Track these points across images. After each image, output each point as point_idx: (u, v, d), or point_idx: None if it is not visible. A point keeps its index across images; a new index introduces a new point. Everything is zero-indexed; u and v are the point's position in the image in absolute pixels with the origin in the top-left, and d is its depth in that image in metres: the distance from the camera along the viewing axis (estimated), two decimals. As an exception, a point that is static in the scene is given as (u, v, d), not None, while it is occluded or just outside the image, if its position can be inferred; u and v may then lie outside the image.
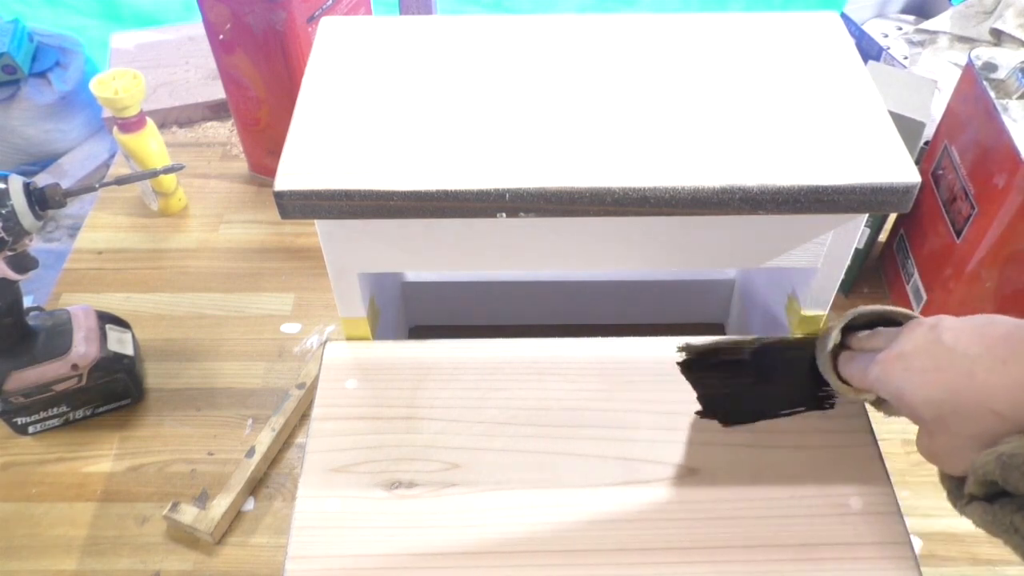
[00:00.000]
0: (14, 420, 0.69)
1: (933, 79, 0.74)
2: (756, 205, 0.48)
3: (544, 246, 0.54)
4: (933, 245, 0.72)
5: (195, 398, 0.74)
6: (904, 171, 0.48)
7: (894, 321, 0.51)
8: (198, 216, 0.92)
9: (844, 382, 0.51)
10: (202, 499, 0.65)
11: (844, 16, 1.05)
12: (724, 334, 0.77)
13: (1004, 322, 0.44)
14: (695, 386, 0.55)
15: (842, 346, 0.53)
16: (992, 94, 0.64)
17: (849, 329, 0.53)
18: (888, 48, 1.03)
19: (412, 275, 0.73)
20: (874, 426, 0.54)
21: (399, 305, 0.73)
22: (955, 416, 0.42)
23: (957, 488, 0.44)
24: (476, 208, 0.48)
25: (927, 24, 1.07)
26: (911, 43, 1.06)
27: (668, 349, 0.58)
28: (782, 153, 0.49)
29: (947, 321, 0.46)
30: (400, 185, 0.47)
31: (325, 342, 0.59)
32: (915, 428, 0.46)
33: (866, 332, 0.51)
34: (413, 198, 0.47)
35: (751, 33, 0.59)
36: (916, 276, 0.75)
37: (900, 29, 1.08)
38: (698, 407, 0.54)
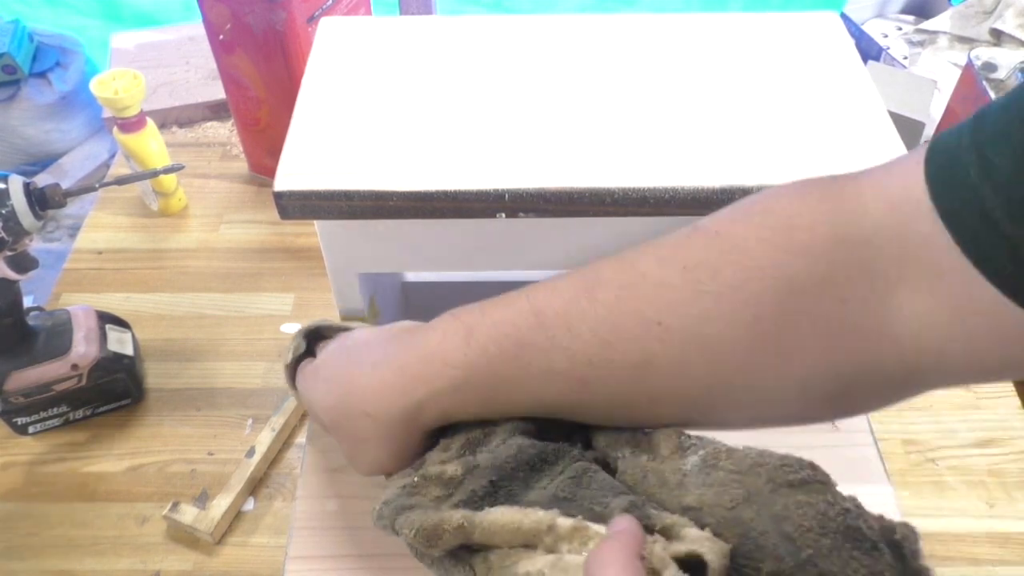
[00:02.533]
0: (14, 420, 0.69)
1: (933, 79, 0.74)
2: (756, 205, 0.48)
3: (544, 246, 0.54)
4: (933, 245, 0.72)
5: (195, 398, 0.74)
6: (904, 171, 0.48)
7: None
8: (198, 216, 0.92)
9: None
10: (202, 499, 0.65)
11: (844, 16, 1.05)
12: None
13: (397, 327, 0.45)
14: None
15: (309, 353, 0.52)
16: (992, 94, 0.64)
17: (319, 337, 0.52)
18: (888, 48, 1.03)
19: (412, 275, 0.73)
20: (874, 426, 0.54)
21: (399, 305, 0.73)
22: (344, 421, 0.43)
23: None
24: (476, 208, 0.48)
25: (927, 24, 1.07)
26: (911, 43, 1.06)
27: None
28: (782, 153, 0.49)
29: (357, 332, 0.47)
30: (400, 185, 0.47)
31: (325, 342, 0.59)
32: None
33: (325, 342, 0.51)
34: (413, 198, 0.47)
35: (751, 33, 0.59)
36: (916, 276, 0.75)
37: (900, 29, 1.09)
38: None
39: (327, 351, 0.47)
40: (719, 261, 0.35)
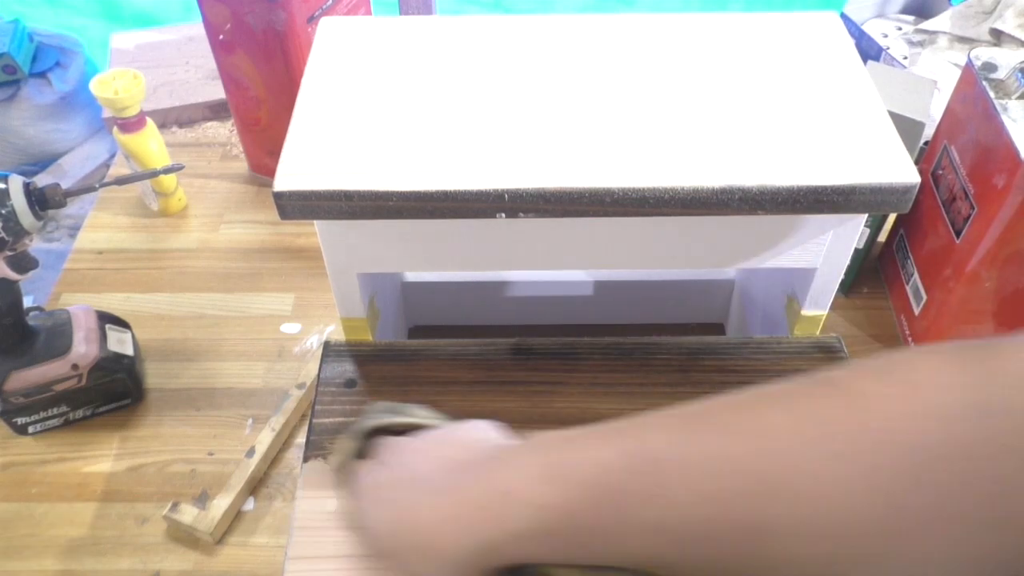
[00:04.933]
0: (14, 420, 0.69)
1: (933, 79, 0.74)
2: (756, 205, 0.48)
3: (544, 246, 0.54)
4: (933, 245, 0.72)
5: (195, 398, 0.74)
6: (904, 171, 0.48)
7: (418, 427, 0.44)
8: (198, 216, 0.92)
9: None
10: (202, 499, 0.65)
11: (844, 16, 1.05)
12: (724, 334, 0.77)
13: (458, 439, 0.40)
14: None
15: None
16: (992, 94, 0.64)
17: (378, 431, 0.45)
18: (888, 48, 1.03)
19: (412, 275, 0.73)
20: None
21: (399, 305, 0.73)
22: (399, 553, 0.38)
23: None
24: (476, 208, 0.48)
25: (927, 24, 1.07)
26: (911, 43, 1.06)
27: (669, 349, 0.58)
28: (782, 153, 0.49)
29: (417, 444, 0.41)
30: (400, 185, 0.47)
31: (325, 342, 0.59)
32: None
33: (389, 441, 0.44)
34: (413, 198, 0.47)
35: (751, 33, 0.59)
36: (916, 276, 0.75)
37: (900, 29, 1.08)
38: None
39: (382, 469, 0.41)
40: (851, 421, 0.31)
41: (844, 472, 0.31)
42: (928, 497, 0.30)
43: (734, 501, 0.32)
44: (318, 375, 0.57)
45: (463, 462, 0.38)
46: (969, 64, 0.68)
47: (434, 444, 0.41)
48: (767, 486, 0.32)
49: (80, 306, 0.72)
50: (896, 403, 0.31)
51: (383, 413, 0.45)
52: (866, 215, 0.52)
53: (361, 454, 0.44)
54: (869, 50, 1.03)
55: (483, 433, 0.41)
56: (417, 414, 0.45)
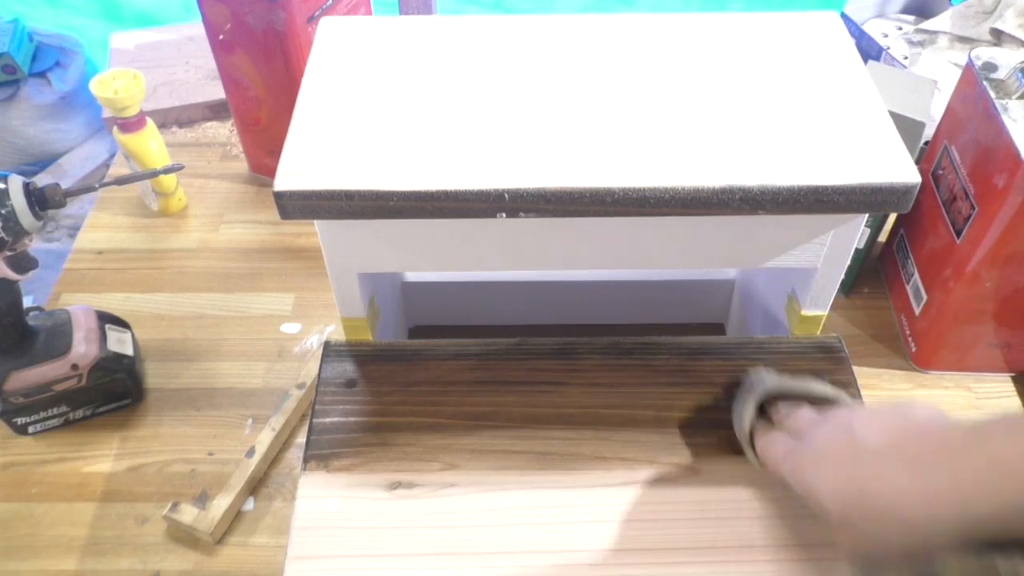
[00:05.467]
0: (14, 420, 0.69)
1: (933, 79, 0.74)
2: (756, 205, 0.48)
3: (544, 246, 0.54)
4: (933, 245, 0.72)
5: (195, 398, 0.74)
6: (904, 171, 0.48)
7: (813, 398, 0.50)
8: (198, 216, 0.92)
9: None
10: (202, 499, 0.65)
11: (844, 16, 1.05)
12: (724, 334, 0.77)
13: (917, 417, 0.42)
14: None
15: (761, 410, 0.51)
16: (992, 94, 0.64)
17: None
18: (888, 48, 1.03)
19: (412, 275, 0.73)
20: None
21: (399, 305, 0.73)
22: (862, 518, 0.40)
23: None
24: (476, 208, 0.48)
25: (927, 24, 1.07)
26: (911, 43, 1.06)
27: (669, 349, 0.58)
28: (782, 153, 0.49)
29: (859, 416, 0.44)
30: (400, 185, 0.47)
31: (325, 342, 0.59)
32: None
33: (787, 407, 0.50)
34: (413, 198, 0.47)
35: (751, 33, 0.59)
36: (916, 276, 0.75)
37: (900, 29, 1.08)
38: (698, 405, 0.54)
39: (822, 439, 0.44)
40: None
41: None
42: None
43: None
44: (318, 375, 0.57)
45: (927, 434, 0.40)
46: (969, 64, 0.68)
47: (886, 420, 0.42)
48: None
49: (80, 306, 0.72)
50: None
51: (782, 379, 0.50)
52: (866, 215, 0.52)
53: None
54: (869, 50, 1.03)
55: (933, 412, 0.42)
56: (819, 387, 0.50)
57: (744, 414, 0.51)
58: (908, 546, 0.38)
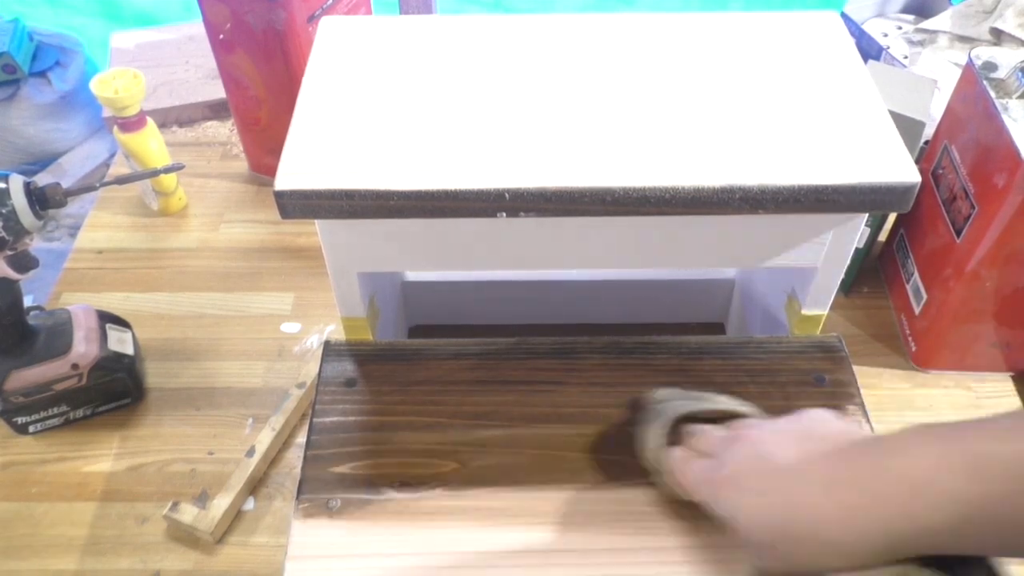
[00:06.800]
0: (14, 419, 0.69)
1: (933, 79, 0.74)
2: (756, 205, 0.48)
3: (544, 246, 0.54)
4: (933, 244, 0.72)
5: (195, 398, 0.74)
6: (904, 171, 0.48)
7: (719, 415, 0.48)
8: (198, 216, 0.92)
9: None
10: (202, 499, 0.65)
11: (844, 16, 1.05)
12: (724, 334, 0.77)
13: (819, 432, 0.41)
14: None
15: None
16: (992, 94, 0.64)
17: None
18: (888, 48, 1.03)
19: (412, 275, 0.73)
20: (875, 426, 0.54)
21: (399, 305, 0.73)
22: (788, 544, 0.39)
23: None
24: (476, 208, 0.48)
25: (927, 24, 1.07)
26: (911, 43, 1.06)
27: (669, 349, 0.58)
28: (782, 153, 0.49)
29: (766, 434, 0.43)
30: (400, 185, 0.47)
31: (325, 341, 0.59)
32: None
33: (697, 429, 0.47)
34: (413, 198, 0.47)
35: (751, 33, 0.59)
36: (916, 275, 0.75)
37: (900, 29, 1.08)
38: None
39: (732, 458, 0.42)
40: None
41: None
42: None
43: None
44: (318, 374, 0.57)
45: (840, 452, 0.38)
46: (969, 63, 0.68)
47: (793, 438, 0.41)
48: None
49: (80, 305, 0.72)
50: None
51: (688, 400, 0.47)
52: (866, 214, 0.52)
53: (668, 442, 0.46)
54: (869, 49, 1.03)
55: (838, 425, 0.41)
56: (724, 402, 0.47)
57: (650, 437, 0.48)
58: (843, 569, 0.37)
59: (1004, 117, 0.62)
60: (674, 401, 0.48)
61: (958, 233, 0.68)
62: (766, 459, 0.41)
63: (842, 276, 0.56)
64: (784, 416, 0.44)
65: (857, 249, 0.77)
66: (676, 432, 0.48)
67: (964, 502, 0.34)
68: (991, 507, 0.33)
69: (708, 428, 0.47)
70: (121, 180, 0.68)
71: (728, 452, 0.43)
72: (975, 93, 0.67)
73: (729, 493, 0.42)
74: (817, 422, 0.42)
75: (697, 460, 0.45)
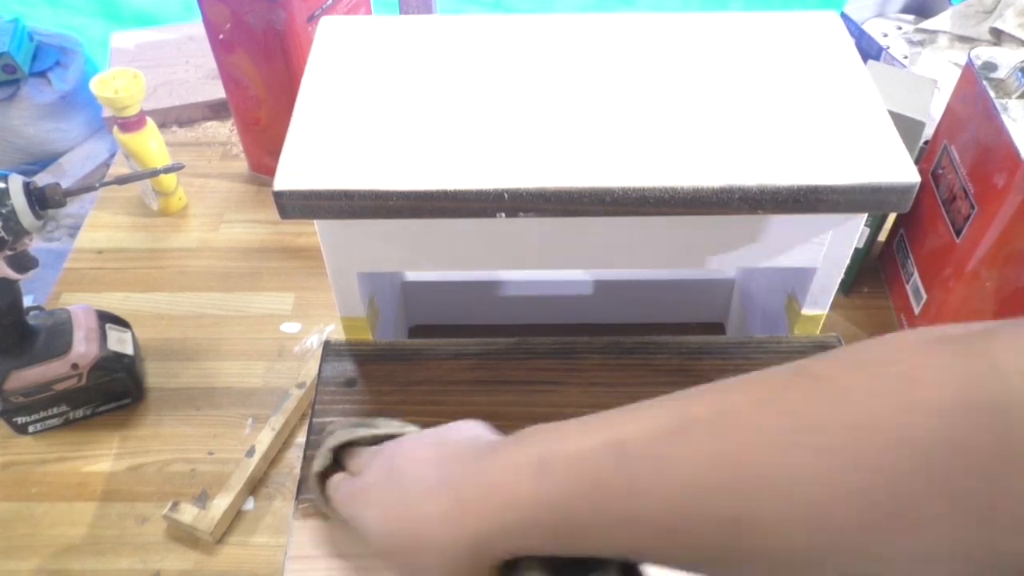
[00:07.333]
0: (14, 419, 0.69)
1: (933, 79, 0.74)
2: (756, 205, 0.48)
3: (544, 246, 0.54)
4: (933, 244, 0.72)
5: (195, 398, 0.74)
6: (904, 171, 0.48)
7: (382, 437, 0.45)
8: (198, 216, 0.92)
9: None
10: (202, 499, 0.65)
11: (844, 16, 1.05)
12: (724, 334, 0.77)
13: (456, 440, 0.40)
14: None
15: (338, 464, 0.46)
16: (992, 94, 0.64)
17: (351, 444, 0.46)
18: (888, 48, 1.03)
19: (412, 275, 0.73)
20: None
21: (399, 305, 0.73)
22: (401, 553, 0.38)
23: None
24: (476, 208, 0.48)
25: (927, 24, 1.07)
26: (911, 43, 1.06)
27: (669, 349, 0.58)
28: (782, 153, 0.49)
29: (405, 444, 0.41)
30: (400, 185, 0.47)
31: (325, 341, 0.59)
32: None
33: (356, 452, 0.45)
34: (413, 198, 0.47)
35: (751, 33, 0.59)
36: (916, 276, 0.75)
37: (900, 29, 1.08)
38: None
39: (371, 471, 0.42)
40: (821, 413, 0.31)
41: (826, 467, 0.30)
42: (911, 493, 0.29)
43: (715, 494, 0.31)
44: (318, 374, 0.57)
45: (446, 457, 0.38)
46: (969, 63, 0.68)
47: (424, 445, 0.41)
48: (747, 480, 0.31)
49: (80, 305, 0.72)
50: (883, 398, 0.30)
51: (351, 428, 0.46)
52: (866, 215, 0.52)
53: (337, 469, 0.45)
54: (869, 49, 1.03)
55: (472, 431, 0.41)
56: (386, 425, 0.46)
57: (313, 467, 0.46)
58: (442, 569, 0.36)
59: (1004, 117, 0.62)
60: (338, 431, 0.46)
61: (958, 233, 0.68)
62: (394, 469, 0.40)
63: (842, 276, 0.56)
64: (434, 428, 0.43)
65: (857, 249, 0.77)
66: (340, 460, 0.46)
67: (531, 503, 0.34)
68: (557, 507, 0.33)
69: (364, 450, 0.45)
70: (121, 180, 0.68)
71: (368, 467, 0.42)
72: (975, 93, 0.67)
73: (360, 506, 0.41)
74: (454, 429, 0.41)
75: (346, 479, 0.44)
